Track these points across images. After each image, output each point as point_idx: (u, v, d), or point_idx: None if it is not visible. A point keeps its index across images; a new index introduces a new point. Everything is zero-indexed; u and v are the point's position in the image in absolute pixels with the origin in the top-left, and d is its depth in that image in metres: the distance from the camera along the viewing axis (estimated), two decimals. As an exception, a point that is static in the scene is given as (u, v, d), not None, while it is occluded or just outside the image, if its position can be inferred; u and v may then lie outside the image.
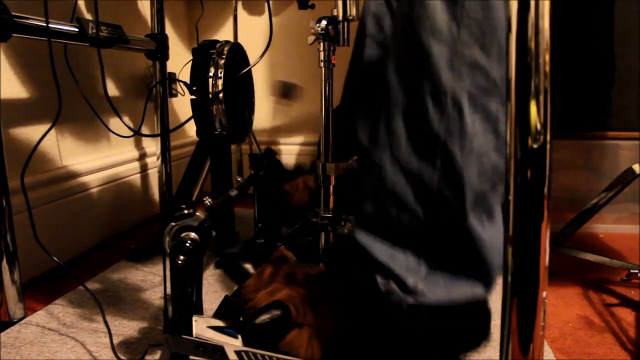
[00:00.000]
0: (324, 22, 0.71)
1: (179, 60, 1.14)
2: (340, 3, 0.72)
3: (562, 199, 1.27)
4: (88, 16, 1.07)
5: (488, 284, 0.60)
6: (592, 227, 1.28)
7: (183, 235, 0.59)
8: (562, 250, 1.02)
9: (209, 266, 1.00)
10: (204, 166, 1.11)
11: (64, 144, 1.08)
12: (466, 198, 0.56)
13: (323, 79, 0.74)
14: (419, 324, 0.59)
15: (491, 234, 0.59)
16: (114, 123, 1.06)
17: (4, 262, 0.76)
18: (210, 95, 0.95)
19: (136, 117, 1.32)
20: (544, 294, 0.36)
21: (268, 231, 0.98)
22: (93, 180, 1.15)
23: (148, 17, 1.24)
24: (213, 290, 0.90)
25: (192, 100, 0.97)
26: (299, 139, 1.67)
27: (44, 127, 0.86)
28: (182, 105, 1.51)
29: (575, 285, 0.95)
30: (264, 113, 1.66)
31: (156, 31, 1.17)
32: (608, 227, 1.29)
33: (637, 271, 0.90)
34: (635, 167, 0.95)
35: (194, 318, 0.58)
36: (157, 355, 0.67)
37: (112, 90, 1.25)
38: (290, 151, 1.67)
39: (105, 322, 0.73)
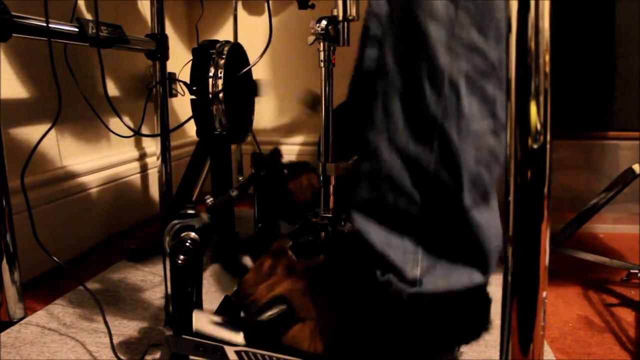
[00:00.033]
0: (324, 22, 0.71)
1: (179, 60, 1.14)
2: (340, 3, 0.72)
3: (562, 199, 1.27)
4: (88, 16, 1.07)
5: (486, 269, 0.60)
6: (592, 227, 1.28)
7: (183, 235, 0.59)
8: (562, 250, 1.02)
9: (209, 266, 1.00)
10: (204, 166, 1.11)
11: (64, 144, 1.08)
12: (463, 181, 0.56)
13: (323, 79, 0.74)
14: (419, 314, 0.59)
15: (487, 217, 0.58)
16: (114, 123, 1.06)
17: (4, 262, 0.76)
18: (210, 95, 0.95)
19: (136, 117, 1.32)
20: (544, 294, 0.36)
21: (268, 231, 0.98)
22: (93, 180, 1.15)
23: (148, 17, 1.24)
24: (213, 290, 0.90)
25: (192, 100, 0.97)
26: (299, 139, 1.67)
27: (44, 127, 0.86)
28: (182, 105, 1.51)
29: (575, 285, 0.95)
30: (264, 113, 1.66)
31: (156, 31, 1.17)
32: (608, 227, 1.29)
33: (637, 271, 0.90)
34: (635, 167, 0.95)
35: (195, 312, 0.58)
36: (157, 355, 0.67)
37: (112, 90, 1.25)
38: (290, 151, 1.67)
39: (105, 322, 0.73)
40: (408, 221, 0.59)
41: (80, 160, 1.13)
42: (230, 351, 0.54)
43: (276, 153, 1.02)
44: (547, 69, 0.34)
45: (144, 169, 1.37)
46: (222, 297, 0.71)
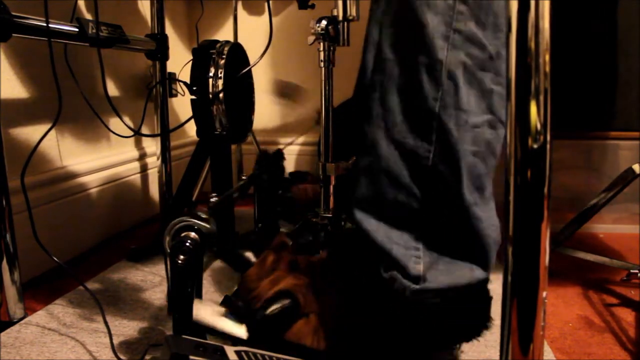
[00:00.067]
0: (324, 22, 0.71)
1: (179, 60, 1.14)
2: (340, 3, 0.72)
3: (562, 199, 1.27)
4: (88, 16, 1.07)
5: (486, 264, 0.60)
6: (592, 227, 1.28)
7: (183, 235, 0.59)
8: (562, 250, 1.02)
9: (209, 266, 1.00)
10: (204, 166, 1.11)
11: (64, 144, 1.08)
12: (462, 174, 0.56)
13: (323, 79, 0.74)
14: (422, 310, 0.59)
15: (485, 210, 0.58)
16: (114, 123, 1.06)
17: (4, 262, 0.76)
18: (211, 95, 0.95)
19: (136, 117, 1.32)
20: (544, 294, 0.36)
21: (268, 231, 0.98)
22: (93, 180, 1.15)
23: (148, 17, 1.24)
24: (213, 290, 0.90)
25: (192, 100, 0.97)
26: (299, 139, 1.67)
27: (44, 127, 0.86)
28: (182, 105, 1.51)
29: (575, 285, 0.95)
30: (264, 113, 1.66)
31: (156, 31, 1.17)
32: (608, 227, 1.29)
33: (637, 271, 0.90)
34: (635, 167, 0.95)
35: (197, 302, 0.58)
36: (157, 355, 0.67)
37: (112, 90, 1.25)
38: (290, 151, 1.67)
39: (105, 322, 0.73)
40: (408, 216, 0.58)
41: (80, 160, 1.13)
42: (230, 351, 0.54)
43: (279, 155, 1.02)
44: (547, 69, 0.34)
45: (144, 169, 1.37)
46: (222, 297, 0.71)
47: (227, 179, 1.07)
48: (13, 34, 0.73)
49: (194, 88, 0.96)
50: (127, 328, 0.75)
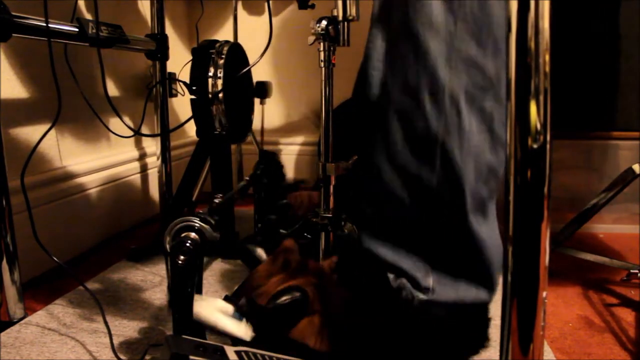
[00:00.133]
0: (324, 22, 0.71)
1: (179, 60, 1.14)
2: (340, 3, 0.72)
3: (562, 199, 1.27)
4: (88, 16, 1.07)
5: (491, 285, 0.60)
6: (592, 227, 1.28)
7: (183, 235, 0.59)
8: (562, 250, 1.02)
9: (209, 266, 1.00)
10: (204, 166, 1.11)
11: (64, 144, 1.08)
12: (466, 198, 0.56)
13: (323, 79, 0.74)
14: (428, 319, 0.59)
15: (487, 232, 0.59)
16: (114, 123, 1.06)
17: (4, 262, 0.76)
18: (210, 95, 0.95)
19: (136, 117, 1.32)
20: (544, 294, 0.36)
21: (268, 231, 0.98)
22: (93, 180, 1.15)
23: (148, 17, 1.24)
24: (213, 290, 0.90)
25: (191, 100, 0.97)
26: (299, 139, 1.67)
27: (44, 127, 0.86)
28: (182, 105, 1.51)
29: (575, 285, 0.95)
30: (264, 113, 1.66)
31: (156, 31, 1.17)
32: (608, 227, 1.29)
33: (637, 271, 0.90)
34: (635, 167, 0.95)
35: (197, 299, 0.57)
36: (157, 355, 0.67)
37: (112, 90, 1.25)
38: (290, 151, 1.67)
39: (105, 322, 0.73)
40: (413, 239, 0.59)
41: (80, 160, 1.13)
42: (230, 351, 0.54)
43: (273, 155, 1.02)
44: (547, 69, 0.34)
45: (144, 169, 1.37)
46: (222, 297, 0.70)
47: (227, 179, 1.07)
48: (13, 34, 0.73)
49: (194, 88, 0.96)
50: (127, 328, 0.75)
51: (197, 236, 0.59)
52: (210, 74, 0.95)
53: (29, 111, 0.97)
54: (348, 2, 0.71)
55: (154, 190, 1.40)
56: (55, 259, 0.76)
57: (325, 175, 0.76)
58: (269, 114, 1.67)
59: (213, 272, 0.98)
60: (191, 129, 1.04)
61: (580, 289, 0.93)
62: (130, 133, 1.15)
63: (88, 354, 0.69)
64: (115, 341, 0.71)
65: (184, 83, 0.98)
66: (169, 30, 1.24)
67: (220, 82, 0.94)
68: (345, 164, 0.76)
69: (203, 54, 0.96)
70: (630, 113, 1.29)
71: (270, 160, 1.02)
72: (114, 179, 1.23)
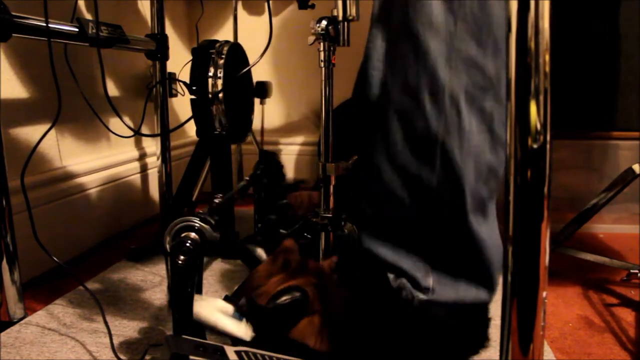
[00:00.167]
0: (324, 22, 0.71)
1: (179, 60, 1.14)
2: (340, 3, 0.72)
3: (562, 199, 1.27)
4: (88, 16, 1.07)
5: (491, 286, 0.60)
6: (592, 227, 1.28)
7: (183, 235, 0.59)
8: (562, 250, 1.02)
9: (209, 266, 1.00)
10: (204, 166, 1.11)
11: (64, 144, 1.08)
12: (466, 198, 0.56)
13: (323, 79, 0.74)
14: (428, 319, 0.59)
15: (487, 232, 0.59)
16: (114, 123, 1.06)
17: (4, 262, 0.76)
18: (210, 95, 0.95)
19: (136, 117, 1.32)
20: (544, 294, 0.36)
21: (268, 231, 0.98)
22: (93, 180, 1.15)
23: (148, 17, 1.24)
24: (213, 290, 0.90)
25: (191, 100, 0.97)
26: (299, 139, 1.67)
27: (44, 127, 0.86)
28: (182, 105, 1.51)
29: (575, 285, 0.95)
30: (264, 113, 1.66)
31: (156, 31, 1.17)
32: (608, 227, 1.29)
33: (637, 271, 0.90)
34: (635, 167, 0.95)
35: (197, 300, 0.57)
36: (157, 355, 0.67)
37: (112, 90, 1.25)
38: (290, 151, 1.67)
39: (105, 322, 0.73)
40: (414, 239, 0.59)
41: (80, 160, 1.13)
42: (230, 351, 0.54)
43: (274, 156, 1.02)
44: (547, 69, 0.34)
45: (144, 169, 1.37)
46: (222, 297, 0.70)
47: (227, 179, 1.07)
48: (13, 34, 0.73)
49: (194, 88, 0.96)
50: (127, 328, 0.75)
51: (197, 236, 0.59)
52: (210, 74, 0.95)
53: (29, 111, 0.97)
54: (348, 2, 0.71)
55: (154, 190, 1.40)
56: (55, 259, 0.76)
57: (325, 175, 0.76)
58: (269, 114, 1.67)
59: (213, 272, 0.98)
60: (191, 129, 1.04)
61: (580, 289, 0.93)
62: (130, 133, 1.15)
63: (88, 354, 0.69)
64: (115, 341, 0.71)
65: (184, 83, 0.98)
66: (169, 30, 1.24)
67: (220, 82, 0.94)
68: (345, 164, 0.76)
69: (203, 54, 0.96)
70: (630, 113, 1.29)
71: (270, 160, 1.02)
72: (114, 179, 1.23)
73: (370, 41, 0.65)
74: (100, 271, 0.99)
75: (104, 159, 1.21)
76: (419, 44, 0.55)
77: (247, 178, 0.97)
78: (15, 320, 0.78)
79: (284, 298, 0.60)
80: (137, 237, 1.25)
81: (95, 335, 0.73)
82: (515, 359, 0.37)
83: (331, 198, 0.77)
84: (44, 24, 0.76)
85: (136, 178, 1.34)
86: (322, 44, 0.73)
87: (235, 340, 0.59)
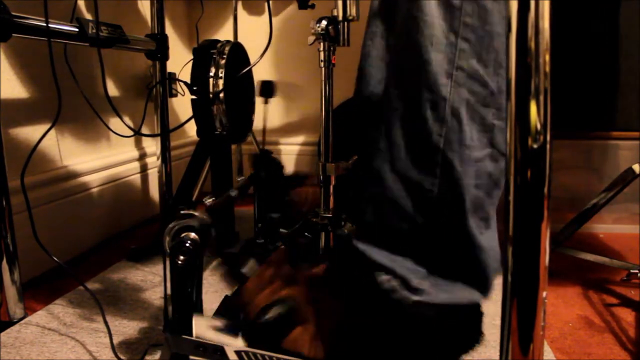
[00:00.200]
0: (324, 22, 0.71)
1: (179, 60, 1.14)
2: (340, 3, 0.72)
3: (562, 199, 1.27)
4: (88, 16, 1.07)
5: (485, 289, 0.61)
6: (592, 227, 1.28)
7: (183, 235, 0.59)
8: (562, 250, 1.02)
9: (209, 266, 1.00)
10: (204, 166, 1.11)
11: (64, 144, 1.08)
12: (466, 206, 0.57)
13: (323, 79, 0.74)
14: (421, 321, 0.59)
15: (488, 240, 0.59)
16: (114, 123, 1.06)
17: (4, 262, 0.76)
18: (211, 95, 0.95)
19: (136, 117, 1.32)
20: (544, 294, 0.36)
21: (268, 231, 0.98)
22: (93, 180, 1.15)
23: (148, 17, 1.24)
24: (213, 290, 0.90)
25: (192, 100, 0.97)
26: (299, 139, 1.67)
27: (44, 127, 0.86)
28: (182, 105, 1.52)
29: (575, 285, 0.95)
30: (265, 113, 1.66)
31: (156, 31, 1.17)
32: (608, 227, 1.29)
33: (637, 271, 0.90)
34: (635, 167, 0.95)
35: (194, 318, 0.58)
36: (157, 355, 0.67)
37: (112, 90, 1.25)
38: (290, 151, 1.67)
39: (105, 322, 0.73)
40: (411, 244, 0.59)
41: (80, 160, 1.13)
42: (230, 351, 0.54)
43: (268, 154, 1.03)
44: (547, 69, 0.34)
45: (144, 169, 1.37)
46: (222, 297, 0.71)
47: (227, 179, 1.07)
48: (13, 34, 0.73)
49: (195, 88, 0.96)
50: (127, 328, 0.75)
51: (196, 236, 0.59)
52: (212, 73, 0.95)
53: (29, 111, 0.98)
54: (348, 2, 0.71)
55: (154, 190, 1.41)
56: (55, 259, 0.76)
57: (325, 175, 0.76)
58: (269, 114, 1.67)
59: (213, 272, 0.98)
60: (191, 129, 1.04)
61: (580, 289, 0.93)
62: (131, 133, 1.15)
63: (88, 354, 0.69)
64: (115, 341, 0.71)
65: (185, 83, 0.98)
66: (169, 30, 1.24)
67: (221, 82, 0.94)
68: (345, 164, 0.76)
69: (204, 53, 0.96)
70: (630, 113, 1.29)
71: (268, 160, 1.02)
72: (114, 179, 1.23)
73: (369, 38, 0.65)
74: (100, 271, 0.99)
75: (104, 158, 1.21)
76: (420, 55, 0.56)
77: (242, 177, 0.97)
78: (15, 320, 0.78)
79: (272, 311, 0.60)
80: (137, 237, 1.25)
81: (95, 335, 0.73)
82: (515, 359, 0.37)
83: (331, 198, 0.77)
84: (44, 24, 0.76)
85: (136, 178, 1.34)
86: (322, 44, 0.73)
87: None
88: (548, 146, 0.35)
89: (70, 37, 0.84)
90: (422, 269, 0.59)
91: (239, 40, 1.14)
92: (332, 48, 0.73)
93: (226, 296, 0.69)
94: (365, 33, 0.65)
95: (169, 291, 0.58)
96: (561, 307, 0.86)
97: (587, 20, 1.30)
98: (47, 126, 0.80)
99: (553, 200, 0.35)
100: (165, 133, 1.24)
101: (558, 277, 0.98)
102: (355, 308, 0.63)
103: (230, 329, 0.59)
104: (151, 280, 0.94)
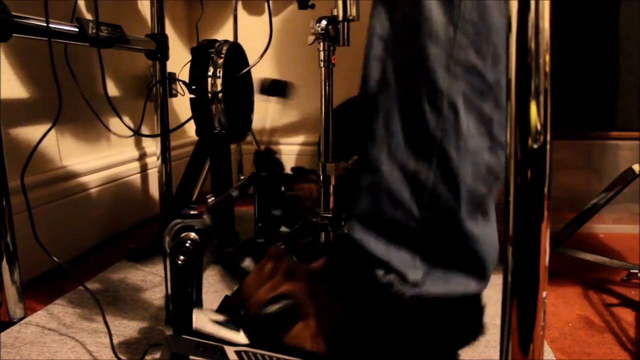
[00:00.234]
0: (324, 22, 0.71)
1: (179, 60, 1.14)
2: (340, 3, 0.72)
3: (562, 199, 1.27)
4: (88, 16, 1.07)
5: (483, 278, 0.61)
6: (592, 227, 1.28)
7: (183, 235, 0.59)
8: (562, 250, 1.02)
9: (209, 266, 1.00)
10: (203, 166, 1.11)
11: (64, 144, 1.08)
12: (461, 196, 0.57)
13: (323, 79, 0.74)
14: (419, 315, 0.60)
15: (486, 231, 0.60)
16: (114, 123, 1.06)
17: (4, 262, 0.76)
18: (210, 95, 0.95)
19: (136, 117, 1.32)
20: (544, 294, 0.36)
21: (268, 231, 0.98)
22: (93, 180, 1.15)
23: (148, 17, 1.24)
24: (213, 290, 0.90)
25: (191, 99, 0.97)
26: (299, 139, 1.67)
27: (44, 127, 0.86)
28: (182, 105, 1.51)
29: (575, 285, 0.95)
30: (265, 113, 1.66)
31: (156, 31, 1.17)
32: (608, 227, 1.29)
33: (637, 271, 0.90)
34: (635, 167, 0.95)
35: (195, 311, 0.58)
36: (157, 355, 0.67)
37: (112, 90, 1.25)
38: (290, 151, 1.67)
39: (105, 322, 0.73)
40: (406, 234, 0.60)
41: (80, 160, 1.13)
42: (230, 351, 0.54)
43: (271, 152, 1.03)
44: (547, 69, 0.34)
45: (144, 169, 1.37)
46: (222, 297, 0.70)
47: (227, 178, 1.07)
48: (13, 34, 0.73)
49: (193, 87, 0.96)
50: (127, 328, 0.75)
51: (197, 236, 0.59)
52: (210, 73, 0.95)
53: (29, 111, 0.98)
54: (348, 2, 0.72)
55: (154, 190, 1.41)
56: (55, 259, 0.76)
57: (325, 175, 0.76)
58: (269, 113, 1.67)
59: (213, 272, 0.98)
60: (191, 128, 1.04)
61: (580, 289, 0.93)
62: (130, 133, 1.15)
63: (88, 354, 0.69)
64: (115, 341, 0.71)
65: (184, 82, 0.98)
66: (169, 30, 1.24)
67: (219, 81, 0.94)
68: (345, 164, 0.76)
69: (202, 53, 0.96)
70: (630, 113, 1.29)
71: (269, 158, 1.02)
72: (114, 179, 1.23)
73: (371, 35, 0.65)
74: (100, 271, 0.99)
75: (104, 159, 1.21)
76: (419, 48, 0.56)
77: (243, 177, 0.97)
78: (15, 320, 0.78)
79: (273, 307, 0.61)
80: (137, 237, 1.25)
81: (95, 335, 0.73)
82: (515, 359, 0.37)
83: (331, 198, 0.77)
84: (44, 24, 0.76)
85: (136, 178, 1.34)
86: (322, 43, 0.73)
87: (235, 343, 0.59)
88: (548, 146, 0.35)
89: (70, 37, 0.84)
90: (418, 260, 0.59)
91: (239, 40, 1.14)
92: (332, 48, 0.74)
93: (226, 296, 0.69)
94: (370, 15, 0.65)
95: (169, 287, 0.58)
96: (561, 307, 0.86)
97: (587, 20, 1.30)
98: (47, 126, 0.80)
99: (553, 200, 0.35)
100: (165, 133, 1.24)
101: (558, 277, 0.98)
102: (355, 303, 0.63)
103: (231, 324, 0.59)
104: (151, 280, 0.94)
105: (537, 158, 0.35)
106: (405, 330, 0.61)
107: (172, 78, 1.21)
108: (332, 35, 0.72)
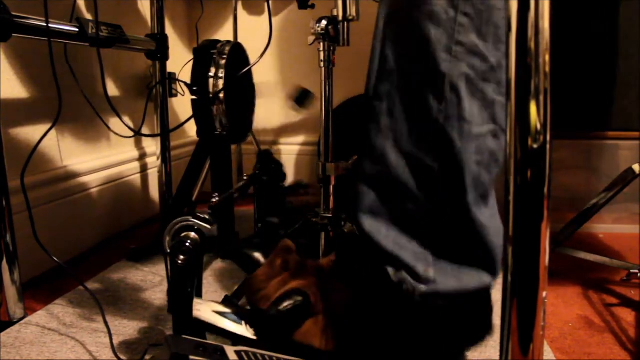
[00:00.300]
0: (324, 22, 0.71)
1: (179, 60, 1.14)
2: (340, 3, 0.72)
3: (562, 199, 1.27)
4: (88, 16, 1.07)
5: (493, 270, 0.60)
6: (592, 227, 1.28)
7: (183, 235, 0.59)
8: (562, 250, 1.02)
9: (209, 266, 1.00)
10: (204, 166, 1.11)
11: (64, 144, 1.08)
12: (466, 183, 0.57)
13: (323, 79, 0.74)
14: (429, 312, 0.59)
15: (488, 217, 0.59)
16: (114, 123, 1.06)
17: (4, 262, 0.76)
18: (211, 95, 0.95)
19: (136, 117, 1.32)
20: (544, 294, 0.36)
21: (268, 231, 0.98)
22: (93, 180, 1.15)
23: (148, 17, 1.24)
24: (213, 290, 0.90)
25: (192, 100, 0.97)
26: (299, 139, 1.67)
27: (44, 127, 0.86)
28: (182, 105, 1.51)
29: (575, 285, 0.95)
30: (265, 113, 1.66)
31: (156, 31, 1.17)
32: (608, 227, 1.29)
33: (637, 271, 0.90)
34: (635, 167, 0.95)
35: (196, 301, 0.58)
36: (157, 355, 0.67)
37: (112, 90, 1.25)
38: (290, 151, 1.67)
39: (105, 322, 0.73)
40: (415, 223, 0.59)
41: (80, 160, 1.13)
42: (230, 351, 0.54)
43: (268, 153, 1.03)
44: (547, 69, 0.34)
45: (144, 169, 1.37)
46: (222, 297, 0.71)
47: (227, 179, 1.07)
48: (13, 34, 0.73)
49: (195, 88, 0.96)
50: (127, 328, 0.75)
51: (197, 236, 0.59)
52: (212, 73, 0.95)
53: (29, 111, 0.98)
54: (348, 2, 0.72)
55: (154, 190, 1.40)
56: (55, 259, 0.76)
57: (325, 175, 0.76)
58: (269, 113, 1.67)
59: (213, 272, 0.98)
60: (191, 129, 1.04)
61: (580, 289, 0.93)
62: (131, 133, 1.15)
63: (88, 354, 0.69)
64: (115, 341, 0.71)
65: (185, 83, 0.98)
66: (169, 30, 1.24)
67: (221, 82, 0.94)
68: (345, 164, 0.76)
69: (204, 53, 0.96)
70: (629, 113, 1.29)
71: (269, 159, 1.02)
72: (114, 179, 1.23)
73: (381, 5, 0.64)
74: (100, 271, 0.99)
75: (104, 159, 1.21)
76: (420, 30, 0.56)
77: (245, 177, 0.97)
78: (15, 320, 0.78)
79: (285, 303, 0.60)
80: (137, 237, 1.25)
81: (95, 335, 0.73)
82: (515, 359, 0.37)
83: (331, 198, 0.77)
84: (44, 24, 0.76)
85: (136, 178, 1.34)
86: (322, 44, 0.73)
87: (235, 340, 0.59)
88: (548, 146, 0.35)
89: (70, 37, 0.85)
90: (429, 253, 0.59)
91: (239, 40, 1.14)
92: (332, 48, 0.74)
93: (226, 296, 0.69)
94: (376, 18, 0.65)
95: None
96: (561, 307, 0.86)
97: (587, 20, 1.30)
98: (47, 126, 0.80)
99: (553, 200, 0.35)
100: (165, 133, 1.24)
101: (558, 277, 0.98)
102: (365, 301, 0.63)
103: (234, 316, 0.59)
104: (151, 280, 0.94)
105: (537, 158, 0.35)
106: (415, 329, 0.60)
107: (172, 78, 1.21)
108: (332, 36, 0.72)
